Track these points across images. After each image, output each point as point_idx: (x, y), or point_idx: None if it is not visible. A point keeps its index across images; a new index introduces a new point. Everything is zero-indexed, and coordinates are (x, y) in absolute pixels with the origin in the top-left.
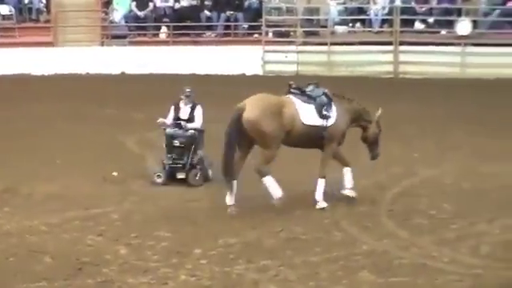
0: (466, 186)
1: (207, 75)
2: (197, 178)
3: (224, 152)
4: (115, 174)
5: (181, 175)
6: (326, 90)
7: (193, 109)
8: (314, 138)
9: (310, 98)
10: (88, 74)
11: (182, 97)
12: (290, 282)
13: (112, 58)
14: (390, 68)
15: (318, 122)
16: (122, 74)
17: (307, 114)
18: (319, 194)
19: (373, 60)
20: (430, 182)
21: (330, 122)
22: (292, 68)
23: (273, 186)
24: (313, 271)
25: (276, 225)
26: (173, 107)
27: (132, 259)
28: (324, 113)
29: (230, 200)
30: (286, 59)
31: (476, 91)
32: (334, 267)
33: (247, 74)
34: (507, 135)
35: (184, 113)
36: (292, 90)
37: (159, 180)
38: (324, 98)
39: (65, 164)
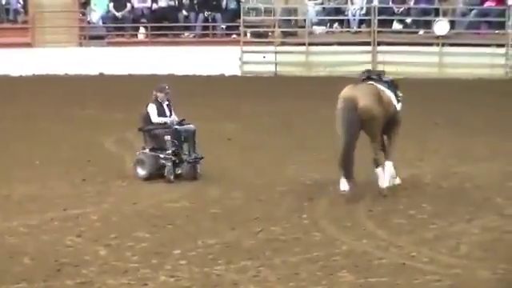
0: (445, 185)
1: (186, 76)
2: (199, 171)
3: (347, 141)
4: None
5: (180, 170)
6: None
7: (169, 105)
8: (391, 123)
9: (387, 84)
10: (66, 74)
11: (160, 94)
12: (270, 283)
13: (90, 58)
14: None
15: (399, 106)
16: (101, 74)
17: (394, 99)
18: (390, 176)
19: (351, 60)
20: (409, 182)
21: (399, 106)
22: (270, 68)
23: (382, 176)
24: (292, 272)
25: (255, 225)
26: (154, 106)
27: (111, 260)
28: (398, 97)
29: (346, 186)
30: (265, 60)
31: (454, 91)
32: (314, 267)
33: (226, 74)
34: (486, 135)
35: (167, 110)
36: (373, 77)
37: (143, 173)
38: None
39: (43, 165)
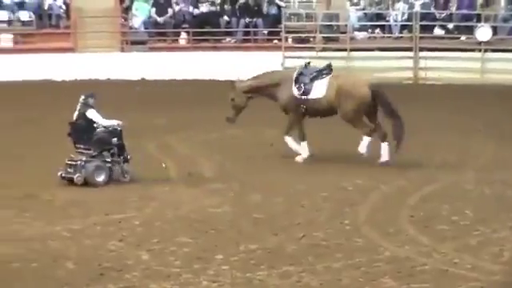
0: (487, 192)
1: (227, 81)
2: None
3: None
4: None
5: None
6: None
7: None
8: None
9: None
10: (109, 79)
11: (92, 100)
12: None
13: (132, 63)
14: (409, 74)
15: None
16: (142, 79)
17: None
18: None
19: (392, 66)
20: (452, 188)
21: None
22: None
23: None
24: (335, 277)
25: (297, 231)
26: (95, 110)
27: (154, 265)
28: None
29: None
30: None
31: (496, 97)
32: (356, 273)
33: None
34: None
35: None
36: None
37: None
38: None
39: None
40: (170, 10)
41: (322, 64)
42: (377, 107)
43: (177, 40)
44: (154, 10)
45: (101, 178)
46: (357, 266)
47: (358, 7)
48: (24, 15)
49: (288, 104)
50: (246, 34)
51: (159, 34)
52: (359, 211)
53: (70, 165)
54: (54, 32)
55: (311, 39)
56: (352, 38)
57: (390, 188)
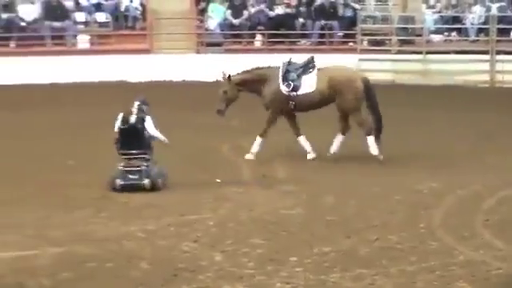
0: None
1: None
2: None
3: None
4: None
5: None
6: None
7: None
8: None
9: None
10: (184, 81)
11: (146, 107)
12: None
13: (207, 65)
14: (486, 77)
15: None
16: (217, 81)
17: None
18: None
19: (469, 69)
20: None
21: None
22: (387, 76)
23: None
24: (409, 280)
25: (371, 234)
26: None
27: (227, 266)
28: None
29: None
30: (382, 68)
31: None
32: (431, 277)
33: None
34: None
35: None
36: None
37: None
38: None
39: None
40: (245, 12)
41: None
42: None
43: (252, 42)
44: (229, 12)
45: (161, 183)
46: (431, 269)
47: (434, 10)
48: (101, 17)
49: (274, 101)
50: (322, 36)
51: (234, 36)
52: (434, 215)
53: (132, 171)
54: (130, 33)
55: (387, 42)
56: (428, 41)
57: (465, 192)
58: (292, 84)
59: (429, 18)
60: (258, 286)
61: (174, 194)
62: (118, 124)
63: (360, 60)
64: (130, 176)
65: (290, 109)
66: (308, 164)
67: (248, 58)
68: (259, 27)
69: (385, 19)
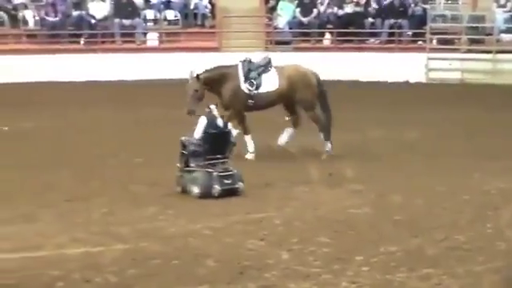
0: None
1: (370, 82)
2: None
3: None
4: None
5: None
6: None
7: None
8: None
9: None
10: None
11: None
12: None
13: (275, 63)
14: None
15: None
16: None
17: None
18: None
19: None
20: None
21: None
22: (456, 75)
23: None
24: (476, 281)
25: (438, 233)
26: None
27: (293, 264)
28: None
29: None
30: (450, 67)
31: None
32: (497, 278)
33: (410, 81)
34: None
35: None
36: None
37: None
38: None
39: None
40: (314, 11)
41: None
42: None
43: (321, 40)
44: (298, 10)
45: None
46: (498, 270)
47: (504, 9)
48: (170, 14)
49: (234, 100)
50: (391, 35)
51: (303, 35)
52: (502, 215)
53: (226, 176)
54: (199, 31)
55: (456, 41)
56: (498, 40)
57: None
58: (255, 82)
59: (499, 16)
60: (323, 285)
61: (241, 193)
62: (202, 128)
63: (429, 59)
64: (225, 181)
65: (247, 107)
66: (375, 163)
67: (316, 57)
68: (328, 26)
69: (455, 18)
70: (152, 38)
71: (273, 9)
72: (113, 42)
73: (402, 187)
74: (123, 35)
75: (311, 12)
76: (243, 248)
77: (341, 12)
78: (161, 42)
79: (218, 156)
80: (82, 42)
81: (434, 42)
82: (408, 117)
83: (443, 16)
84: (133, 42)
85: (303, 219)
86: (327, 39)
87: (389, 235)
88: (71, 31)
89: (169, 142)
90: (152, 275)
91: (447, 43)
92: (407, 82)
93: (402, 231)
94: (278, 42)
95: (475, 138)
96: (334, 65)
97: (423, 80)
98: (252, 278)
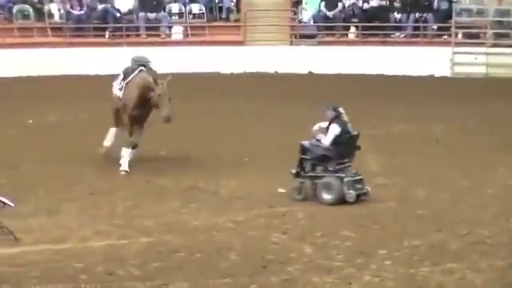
0: None
1: (395, 76)
2: None
3: None
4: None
5: None
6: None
7: None
8: None
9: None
10: (276, 72)
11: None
12: (476, 286)
13: (300, 57)
14: None
15: None
16: (310, 73)
17: None
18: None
19: None
20: None
21: None
22: (481, 70)
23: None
24: (499, 275)
25: (462, 228)
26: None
27: (316, 258)
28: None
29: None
30: (476, 61)
31: None
32: None
33: (436, 75)
34: None
35: None
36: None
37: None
38: None
39: (251, 162)
40: (339, 5)
41: None
42: None
43: (346, 34)
44: (323, 3)
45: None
46: None
47: None
48: (195, 8)
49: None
50: (416, 29)
51: (328, 28)
52: None
53: (357, 181)
54: (224, 25)
55: (482, 35)
56: None
57: None
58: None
59: None
60: (347, 279)
61: (264, 185)
62: (333, 136)
63: (454, 53)
64: (357, 186)
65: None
66: (400, 158)
67: (341, 51)
68: (353, 19)
69: (480, 12)
70: (177, 32)
71: (298, 2)
72: (138, 35)
73: (426, 181)
74: (148, 29)
75: (336, 6)
76: (266, 242)
77: (366, 6)
78: (185, 35)
79: (346, 160)
80: (106, 36)
81: (460, 36)
82: (433, 111)
83: (469, 10)
84: (158, 35)
85: (326, 213)
86: (352, 33)
87: (412, 229)
88: (96, 24)
89: (192, 136)
90: (175, 268)
91: (472, 37)
92: (432, 77)
93: (425, 225)
94: (303, 36)
95: (500, 133)
96: (358, 59)
97: (448, 74)
98: (275, 271)
